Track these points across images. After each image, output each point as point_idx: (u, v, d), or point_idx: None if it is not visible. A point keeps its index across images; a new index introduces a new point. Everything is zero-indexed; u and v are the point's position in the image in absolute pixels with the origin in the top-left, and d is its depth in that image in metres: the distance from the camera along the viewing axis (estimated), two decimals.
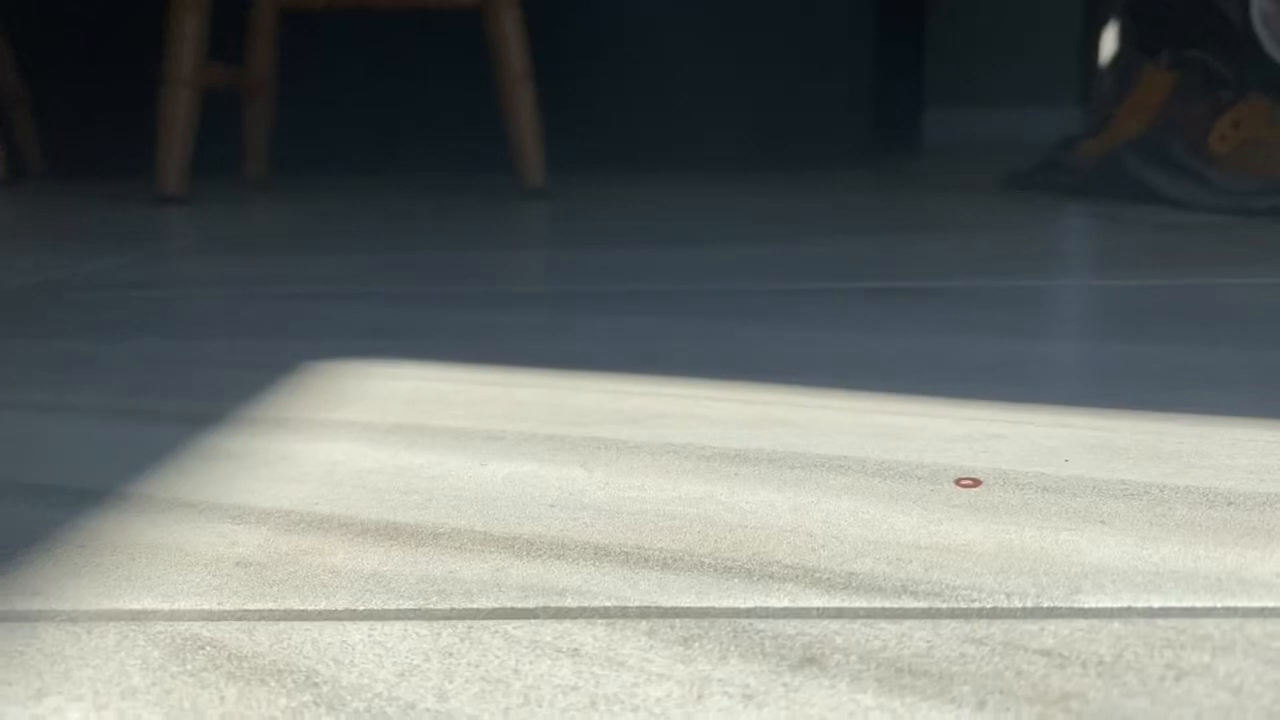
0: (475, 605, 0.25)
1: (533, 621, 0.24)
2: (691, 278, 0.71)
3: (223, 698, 0.21)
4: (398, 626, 0.24)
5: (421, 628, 0.24)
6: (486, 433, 0.38)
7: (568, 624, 0.24)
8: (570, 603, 0.25)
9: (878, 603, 0.24)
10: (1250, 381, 0.43)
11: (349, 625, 0.24)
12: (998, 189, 1.29)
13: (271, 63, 1.39)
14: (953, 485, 0.32)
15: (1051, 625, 0.23)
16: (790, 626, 0.23)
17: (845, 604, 0.24)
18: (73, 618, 0.24)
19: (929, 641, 0.23)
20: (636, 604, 0.24)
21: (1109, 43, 1.36)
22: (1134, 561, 0.26)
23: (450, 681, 0.21)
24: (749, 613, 0.24)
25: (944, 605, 0.24)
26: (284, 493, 0.32)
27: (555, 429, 0.38)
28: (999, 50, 2.36)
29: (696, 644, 0.23)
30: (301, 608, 0.25)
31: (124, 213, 1.15)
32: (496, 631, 0.23)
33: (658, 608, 0.24)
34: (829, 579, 0.26)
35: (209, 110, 1.23)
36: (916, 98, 2.30)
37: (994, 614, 0.24)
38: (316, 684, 0.21)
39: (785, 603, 0.24)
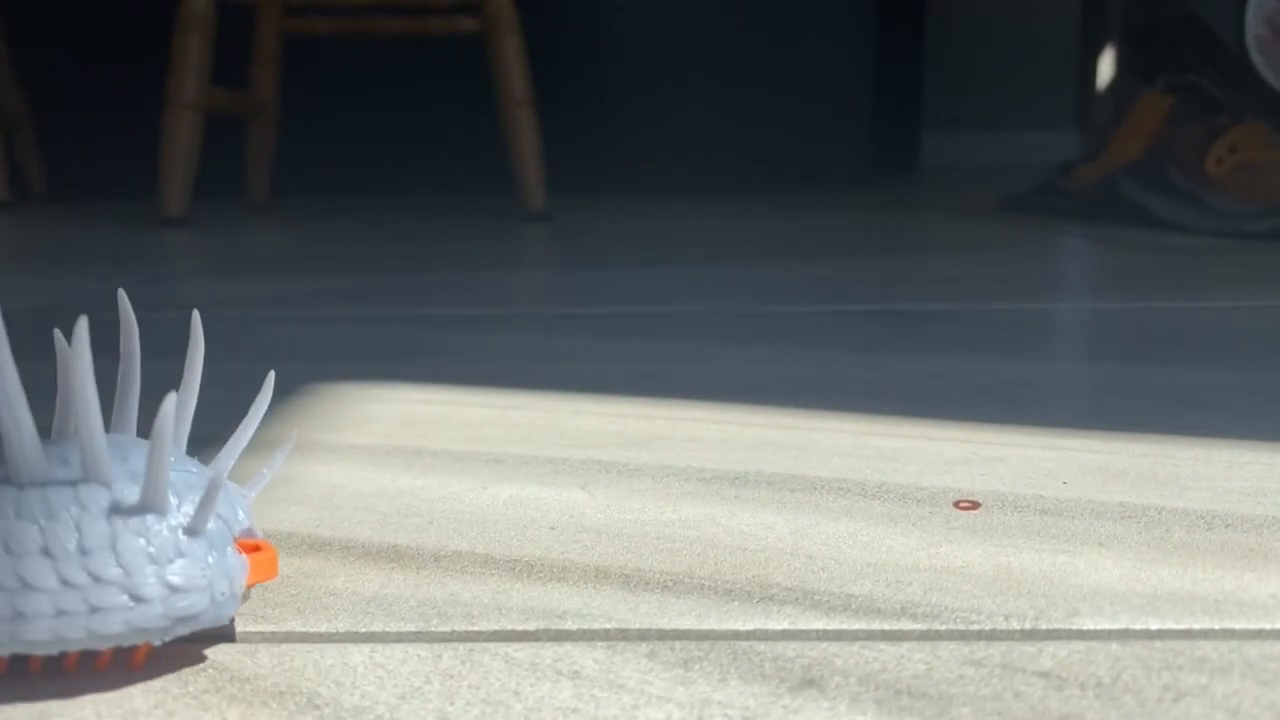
0: (476, 628, 0.25)
1: (533, 644, 0.24)
2: (690, 299, 0.71)
3: (225, 719, 0.21)
4: (399, 649, 0.24)
5: (423, 650, 0.24)
6: (487, 455, 0.38)
7: (568, 646, 0.24)
8: (571, 625, 0.25)
9: (877, 625, 0.24)
10: (1247, 404, 0.43)
11: (350, 647, 0.24)
12: (995, 212, 1.29)
13: (274, 86, 1.39)
14: (951, 507, 0.32)
15: (1050, 647, 0.23)
16: (790, 648, 0.24)
17: (844, 626, 0.24)
18: None
19: (928, 663, 0.23)
20: (637, 626, 0.25)
21: (1106, 67, 1.36)
22: (1132, 583, 0.26)
23: (451, 704, 0.21)
24: (749, 635, 0.24)
25: (942, 627, 0.24)
26: (285, 515, 0.32)
27: (555, 452, 0.38)
28: (997, 73, 2.37)
29: (696, 666, 0.23)
30: (303, 630, 0.25)
31: (126, 234, 1.15)
32: (497, 654, 0.23)
33: (658, 630, 0.24)
34: (828, 601, 0.26)
35: (211, 132, 1.23)
36: (914, 120, 2.32)
37: (992, 636, 0.24)
38: (318, 706, 0.21)
39: (785, 625, 0.24)
